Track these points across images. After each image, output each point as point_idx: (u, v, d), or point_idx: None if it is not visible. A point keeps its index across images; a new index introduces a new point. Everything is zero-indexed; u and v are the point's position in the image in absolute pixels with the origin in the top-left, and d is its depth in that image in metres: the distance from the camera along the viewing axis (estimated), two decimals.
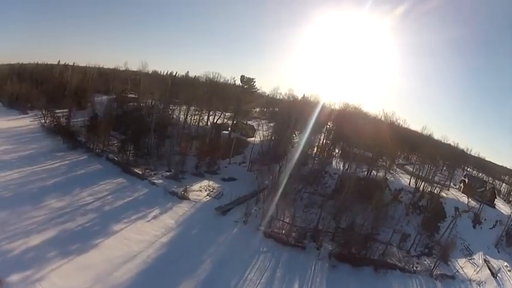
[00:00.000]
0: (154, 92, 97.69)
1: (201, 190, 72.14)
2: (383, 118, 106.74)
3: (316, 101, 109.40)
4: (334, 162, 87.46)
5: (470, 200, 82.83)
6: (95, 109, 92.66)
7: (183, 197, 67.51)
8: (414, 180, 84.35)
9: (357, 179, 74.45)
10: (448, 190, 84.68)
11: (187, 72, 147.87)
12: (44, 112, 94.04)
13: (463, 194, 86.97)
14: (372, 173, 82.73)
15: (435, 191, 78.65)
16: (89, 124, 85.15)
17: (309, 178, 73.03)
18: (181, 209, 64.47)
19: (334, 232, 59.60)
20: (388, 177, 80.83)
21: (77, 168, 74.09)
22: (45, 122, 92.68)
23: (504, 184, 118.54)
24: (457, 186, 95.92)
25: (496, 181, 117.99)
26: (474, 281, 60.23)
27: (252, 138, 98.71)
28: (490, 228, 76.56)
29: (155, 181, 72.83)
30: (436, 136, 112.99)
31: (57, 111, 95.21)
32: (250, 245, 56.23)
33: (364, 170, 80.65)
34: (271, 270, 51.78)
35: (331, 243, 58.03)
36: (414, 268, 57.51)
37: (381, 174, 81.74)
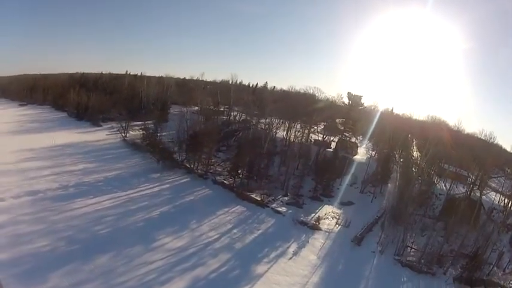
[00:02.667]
0: (250, 106, 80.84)
1: (328, 218, 60.48)
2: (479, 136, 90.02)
3: (404, 114, 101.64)
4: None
5: None
6: (184, 123, 76.97)
7: (315, 227, 56.43)
8: (500, 197, 74.81)
9: (459, 200, 66.48)
10: None
11: (266, 83, 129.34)
12: (123, 125, 72.18)
13: None
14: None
15: None
16: (190, 141, 69.86)
17: (418, 200, 63.81)
18: (318, 242, 53.43)
19: (455, 256, 53.71)
20: (484, 197, 70.90)
21: (183, 194, 59.82)
22: (126, 136, 72.14)
23: None
24: None
25: None
26: None
27: (357, 156, 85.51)
28: None
29: (278, 209, 59.94)
30: None
31: (135, 123, 75.24)
32: (394, 277, 48.78)
33: (466, 189, 71.71)
34: None
35: (452, 266, 52.38)
36: (510, 285, 51.58)
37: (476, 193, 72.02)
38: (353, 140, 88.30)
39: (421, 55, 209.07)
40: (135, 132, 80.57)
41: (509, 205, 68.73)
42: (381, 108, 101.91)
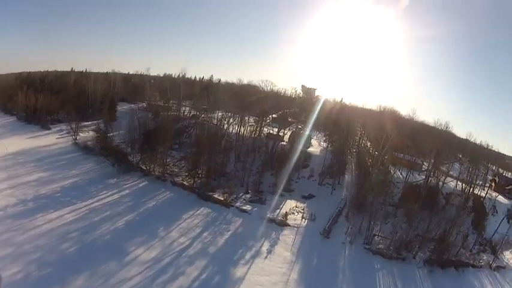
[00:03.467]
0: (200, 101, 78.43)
1: (294, 213, 60.54)
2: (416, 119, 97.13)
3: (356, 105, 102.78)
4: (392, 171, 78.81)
5: (500, 196, 79.68)
6: (135, 121, 73.86)
7: (283, 223, 56.79)
8: (457, 182, 79.31)
9: (415, 186, 70.80)
10: (484, 189, 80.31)
11: (212, 75, 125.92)
12: (73, 127, 68.33)
13: (495, 192, 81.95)
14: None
15: (477, 192, 75.40)
16: (143, 140, 67.22)
17: (377, 189, 64.27)
18: (288, 238, 53.85)
19: (422, 241, 56.89)
20: (441, 182, 74.52)
21: (144, 199, 57.58)
22: (76, 139, 68.87)
23: None
24: (488, 185, 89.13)
25: None
26: None
27: (312, 149, 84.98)
28: None
29: (243, 207, 59.38)
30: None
31: (84, 123, 72.94)
32: (368, 266, 50.73)
33: (423, 177, 74.99)
34: (394, 285, 48.02)
35: (420, 250, 55.58)
36: (480, 264, 57.51)
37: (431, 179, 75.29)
38: (306, 132, 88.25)
39: (373, 47, 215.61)
40: (85, 134, 76.21)
41: (467, 189, 73.50)
42: (332, 99, 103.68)
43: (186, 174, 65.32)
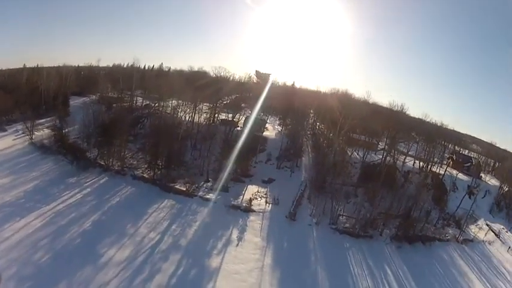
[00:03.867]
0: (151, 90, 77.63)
1: (257, 198, 62.38)
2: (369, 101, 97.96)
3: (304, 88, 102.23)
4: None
5: (459, 173, 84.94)
6: (90, 115, 72.03)
7: (248, 209, 58.78)
8: (414, 161, 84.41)
9: (373, 166, 74.15)
10: (441, 167, 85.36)
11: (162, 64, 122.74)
12: (29, 126, 68.55)
13: (453, 170, 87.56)
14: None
15: (435, 169, 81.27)
16: (99, 134, 66.36)
17: (334, 169, 67.85)
18: (255, 223, 55.78)
19: (386, 218, 59.81)
20: (397, 161, 79.27)
21: (107, 196, 57.62)
22: (32, 138, 70.03)
23: (483, 157, 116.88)
24: (446, 162, 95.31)
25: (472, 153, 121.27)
26: (485, 241, 65.07)
27: (267, 133, 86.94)
28: (482, 198, 79.86)
29: (206, 196, 60.78)
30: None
31: (39, 121, 74.87)
32: (337, 245, 53.32)
33: (379, 156, 78.84)
34: (365, 263, 50.41)
35: (385, 227, 58.68)
36: (447, 237, 61.14)
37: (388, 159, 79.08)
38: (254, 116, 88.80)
39: (324, 31, 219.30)
40: (40, 133, 73.95)
41: (425, 168, 79.04)
42: (283, 83, 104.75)
43: (146, 166, 65.43)
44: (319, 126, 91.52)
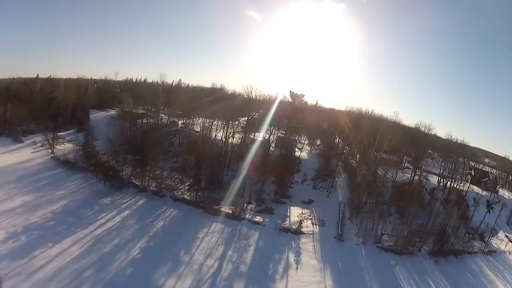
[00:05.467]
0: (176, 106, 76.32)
1: (304, 220, 57.79)
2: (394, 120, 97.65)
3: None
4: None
5: (479, 189, 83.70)
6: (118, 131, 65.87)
7: (298, 232, 54.80)
8: (438, 178, 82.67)
9: (402, 185, 71.78)
10: (461, 183, 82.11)
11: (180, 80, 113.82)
12: (49, 139, 60.25)
13: (472, 185, 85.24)
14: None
15: (457, 186, 78.14)
16: (129, 152, 60.65)
17: (368, 189, 65.21)
18: (308, 246, 52.32)
19: (423, 234, 58.61)
20: (425, 180, 77.10)
21: (150, 220, 50.76)
22: (53, 152, 63.28)
23: (495, 170, 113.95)
24: (464, 178, 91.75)
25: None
26: (506, 252, 64.53)
27: (299, 153, 80.00)
28: (500, 211, 76.51)
29: (255, 219, 55.61)
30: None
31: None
32: (385, 263, 51.74)
33: (406, 175, 77.66)
34: (412, 278, 49.08)
35: (420, 244, 57.83)
36: (474, 250, 61.30)
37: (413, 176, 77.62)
38: (295, 137, 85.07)
39: (335, 47, 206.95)
40: (61, 147, 66.46)
41: (448, 184, 77.55)
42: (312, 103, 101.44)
43: (187, 187, 58.97)
44: (349, 146, 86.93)
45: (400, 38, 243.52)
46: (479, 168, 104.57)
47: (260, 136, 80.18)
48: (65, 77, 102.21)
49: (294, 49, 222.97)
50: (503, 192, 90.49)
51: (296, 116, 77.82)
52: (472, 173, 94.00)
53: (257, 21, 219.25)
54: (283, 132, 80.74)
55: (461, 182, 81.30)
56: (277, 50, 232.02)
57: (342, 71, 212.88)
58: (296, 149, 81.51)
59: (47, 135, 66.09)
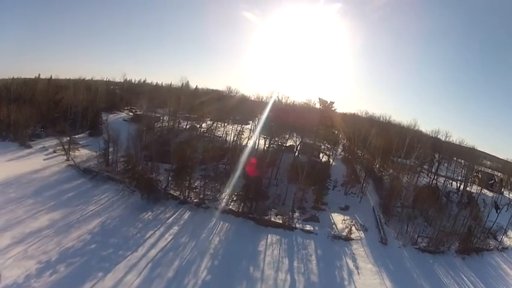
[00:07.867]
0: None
1: (348, 226, 55.08)
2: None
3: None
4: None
5: (487, 191, 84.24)
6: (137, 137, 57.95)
7: (348, 239, 52.56)
8: (452, 182, 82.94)
9: (423, 188, 69.92)
10: (471, 186, 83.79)
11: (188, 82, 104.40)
12: (64, 143, 55.21)
13: (479, 187, 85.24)
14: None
15: (468, 188, 78.84)
16: (177, 163, 51.71)
17: (392, 193, 64.56)
18: (360, 251, 50.31)
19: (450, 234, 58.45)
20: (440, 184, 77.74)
21: (203, 235, 43.74)
22: (69, 159, 54.78)
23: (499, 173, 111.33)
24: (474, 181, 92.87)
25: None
26: None
27: (325, 159, 75.60)
28: (506, 211, 76.92)
29: (307, 228, 51.57)
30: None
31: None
32: (425, 263, 50.84)
33: (426, 179, 78.04)
34: (449, 274, 48.87)
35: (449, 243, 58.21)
36: (490, 248, 62.38)
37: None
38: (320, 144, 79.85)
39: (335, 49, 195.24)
40: (76, 153, 57.19)
41: (461, 187, 77.97)
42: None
43: (234, 199, 52.03)
44: (372, 153, 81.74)
45: (399, 38, 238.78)
46: (485, 171, 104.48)
47: (288, 142, 74.13)
48: (66, 77, 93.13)
49: (289, 50, 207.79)
50: (507, 193, 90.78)
51: (325, 123, 73.29)
52: (480, 175, 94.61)
53: (252, 23, 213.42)
54: (311, 139, 74.57)
55: (471, 185, 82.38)
56: (272, 51, 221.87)
57: (339, 71, 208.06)
58: (320, 155, 76.47)
59: (61, 139, 56.42)
